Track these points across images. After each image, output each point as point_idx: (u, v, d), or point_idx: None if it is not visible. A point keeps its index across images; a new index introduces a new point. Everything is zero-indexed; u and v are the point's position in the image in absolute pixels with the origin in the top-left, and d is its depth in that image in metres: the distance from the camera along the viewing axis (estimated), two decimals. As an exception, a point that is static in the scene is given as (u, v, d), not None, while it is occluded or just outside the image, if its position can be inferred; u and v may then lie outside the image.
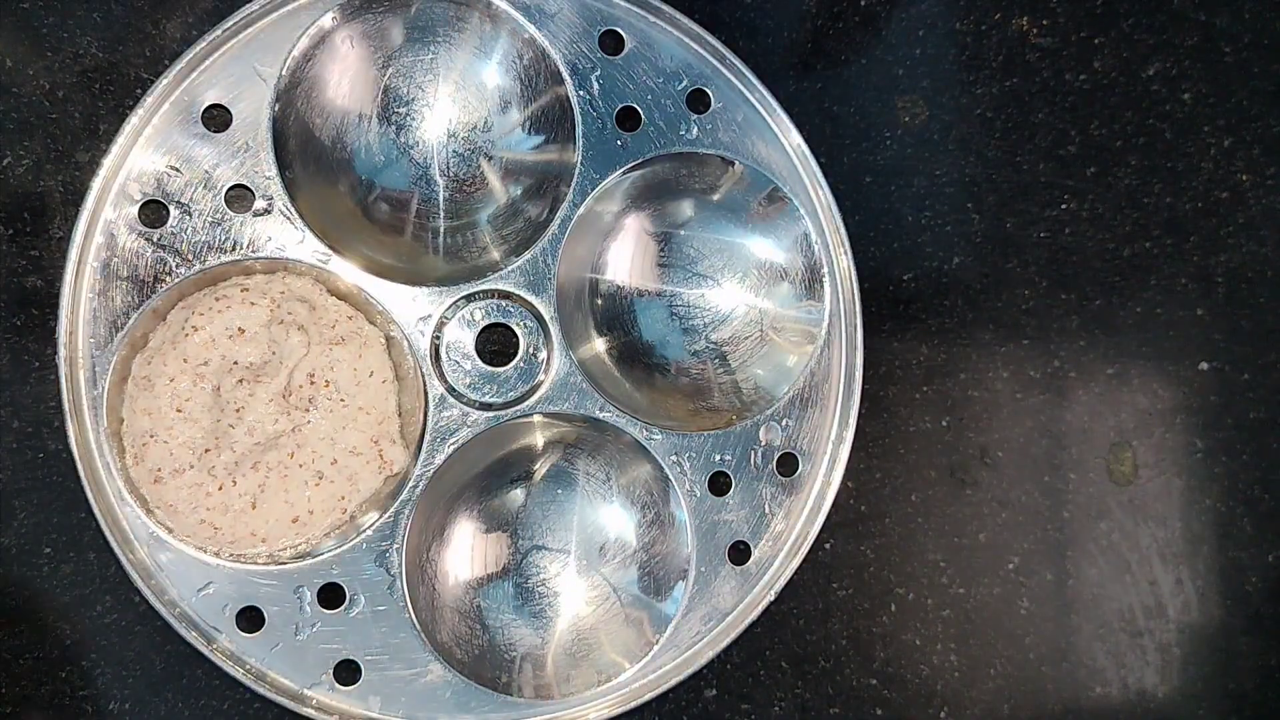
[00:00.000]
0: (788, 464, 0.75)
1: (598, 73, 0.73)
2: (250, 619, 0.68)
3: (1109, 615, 0.82)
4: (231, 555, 0.68)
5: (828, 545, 0.80)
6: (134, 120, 0.67)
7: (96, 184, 0.67)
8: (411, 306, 0.71)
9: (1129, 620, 0.82)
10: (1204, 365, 0.84)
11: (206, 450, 0.68)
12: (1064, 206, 0.83)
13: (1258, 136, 0.84)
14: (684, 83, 0.74)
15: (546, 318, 0.73)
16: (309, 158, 0.71)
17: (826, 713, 0.80)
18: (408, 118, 0.74)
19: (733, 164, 0.74)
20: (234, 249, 0.69)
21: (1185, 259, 0.84)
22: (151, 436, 0.67)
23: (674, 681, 0.72)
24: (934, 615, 0.81)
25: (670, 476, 0.73)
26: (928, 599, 0.81)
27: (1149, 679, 0.82)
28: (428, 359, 0.71)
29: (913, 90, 0.82)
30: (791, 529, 0.75)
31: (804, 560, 0.73)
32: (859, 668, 0.80)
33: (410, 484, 0.70)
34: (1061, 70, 0.83)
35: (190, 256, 0.68)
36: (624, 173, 0.73)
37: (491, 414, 0.72)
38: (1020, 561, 0.82)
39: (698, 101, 0.74)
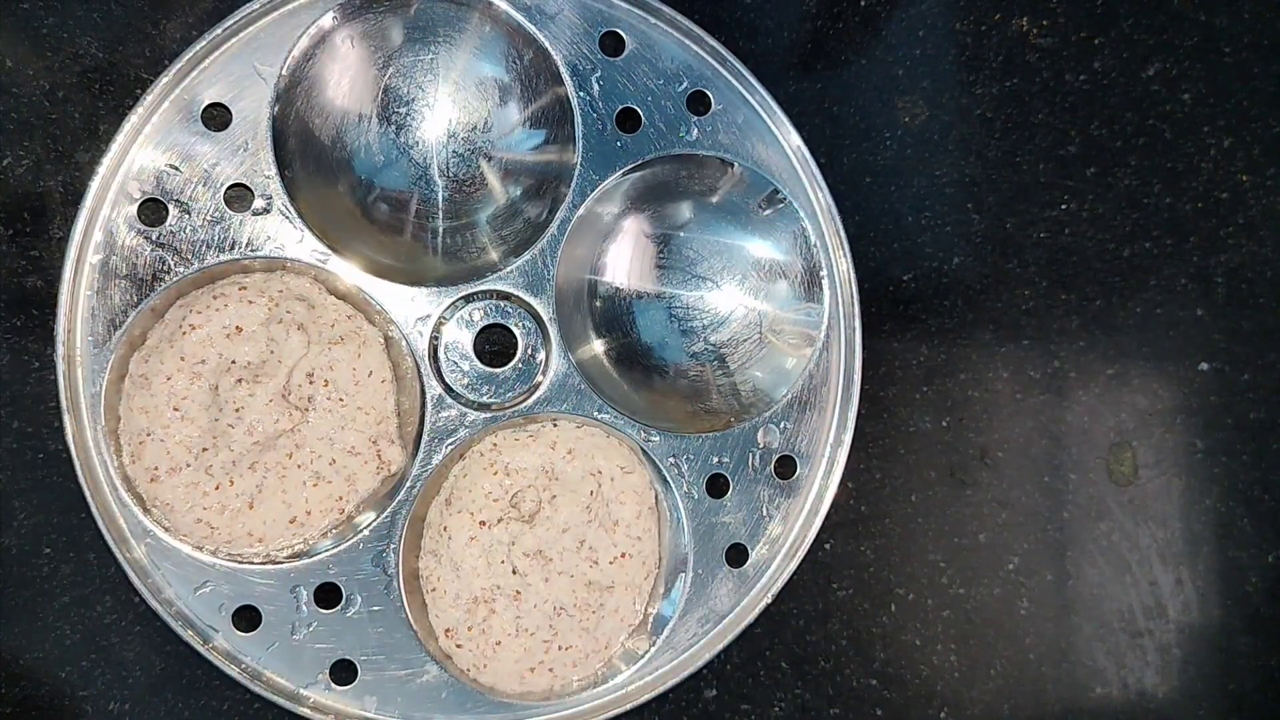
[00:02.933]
0: (786, 466, 0.75)
1: (598, 74, 0.73)
2: (247, 618, 0.68)
3: (1109, 615, 0.82)
4: (228, 555, 0.68)
5: (828, 545, 0.80)
6: (134, 119, 0.67)
7: (96, 182, 0.67)
8: (410, 306, 0.71)
9: (1129, 620, 0.82)
10: (1204, 365, 0.84)
11: (204, 449, 0.68)
12: (1064, 207, 0.83)
13: (1257, 137, 0.84)
14: (684, 84, 0.74)
15: (545, 319, 0.73)
16: (309, 157, 0.71)
17: (827, 713, 0.80)
18: (407, 118, 0.74)
19: (732, 166, 0.74)
20: (233, 248, 0.69)
21: (1185, 259, 0.84)
22: (148, 435, 0.67)
23: (671, 683, 0.72)
24: (934, 616, 0.81)
25: (668, 478, 0.73)
26: (928, 599, 0.81)
27: (1149, 679, 0.82)
28: (426, 359, 0.71)
29: (913, 91, 0.82)
30: (789, 531, 0.74)
31: (804, 561, 0.73)
32: (859, 668, 0.80)
33: (408, 485, 0.70)
34: (1061, 71, 0.83)
35: (189, 255, 0.68)
36: (624, 174, 0.73)
37: (489, 415, 0.72)
38: (1020, 562, 0.82)
39: (698, 103, 0.74)
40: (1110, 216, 0.83)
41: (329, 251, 0.70)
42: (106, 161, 0.67)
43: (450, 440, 0.71)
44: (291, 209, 0.69)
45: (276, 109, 0.69)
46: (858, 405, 0.74)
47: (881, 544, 0.81)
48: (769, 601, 0.73)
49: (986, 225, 0.83)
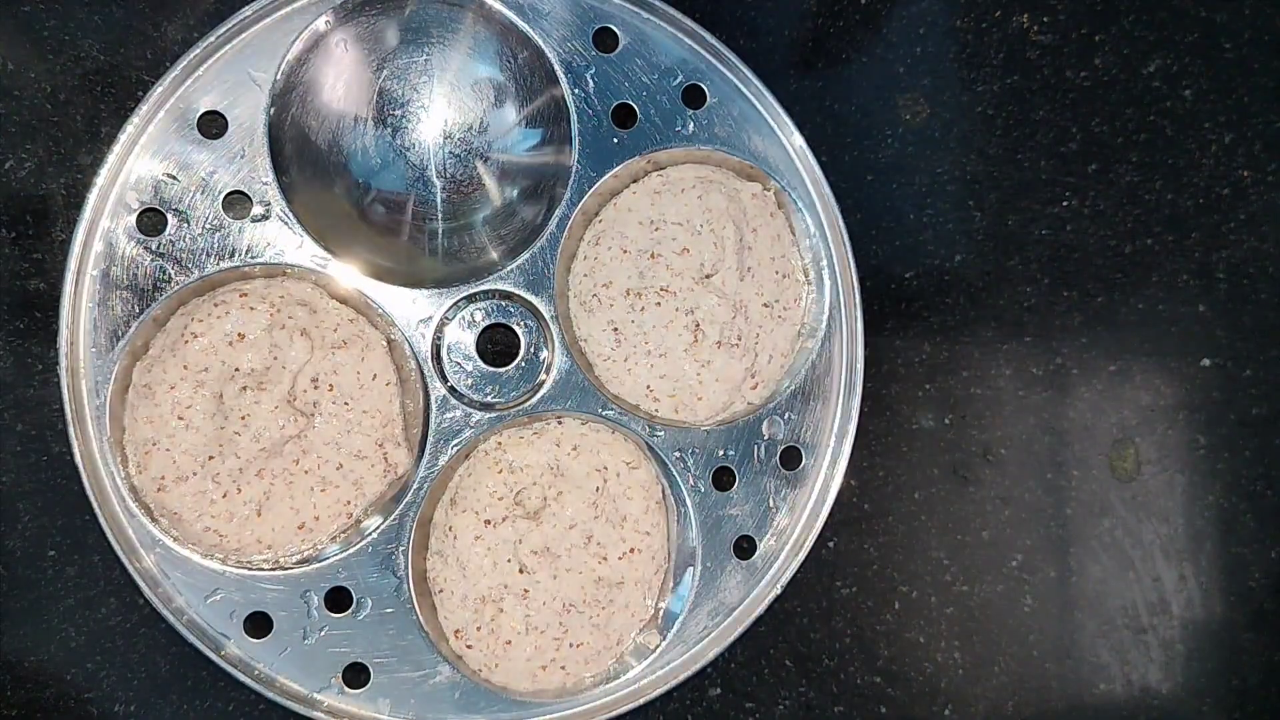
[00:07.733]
0: (791, 458, 0.75)
1: (592, 70, 0.72)
2: (258, 624, 0.69)
3: (1112, 612, 0.82)
4: (237, 562, 0.68)
5: (831, 544, 0.80)
6: (130, 129, 0.67)
7: (94, 194, 0.67)
8: (412, 309, 0.71)
9: (1132, 616, 0.82)
10: (1206, 361, 0.84)
11: (210, 457, 0.68)
12: (1065, 204, 0.83)
13: (1258, 132, 0.84)
14: (679, 79, 0.74)
15: (547, 317, 0.73)
16: (305, 162, 0.71)
17: (831, 711, 0.80)
18: (403, 120, 0.73)
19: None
20: (232, 255, 0.69)
21: (1187, 255, 0.84)
22: (154, 444, 0.67)
23: (684, 676, 0.72)
24: (937, 613, 0.81)
25: (674, 472, 0.73)
26: (931, 597, 0.81)
27: (1153, 675, 0.83)
28: (429, 361, 0.71)
29: (914, 88, 0.82)
30: (796, 522, 0.75)
31: (807, 558, 0.73)
32: (863, 666, 0.80)
33: (414, 486, 0.71)
34: (1062, 67, 0.83)
35: (189, 264, 0.68)
36: (620, 170, 0.73)
37: (494, 414, 0.72)
38: (1023, 559, 0.82)
39: (693, 97, 0.74)
40: (1112, 213, 0.83)
41: (329, 256, 0.70)
42: (104, 172, 0.67)
43: (456, 441, 0.71)
44: (290, 214, 0.69)
45: (272, 114, 0.69)
46: (860, 400, 0.75)
47: (885, 542, 0.81)
48: (779, 592, 0.73)
49: (988, 222, 0.83)
